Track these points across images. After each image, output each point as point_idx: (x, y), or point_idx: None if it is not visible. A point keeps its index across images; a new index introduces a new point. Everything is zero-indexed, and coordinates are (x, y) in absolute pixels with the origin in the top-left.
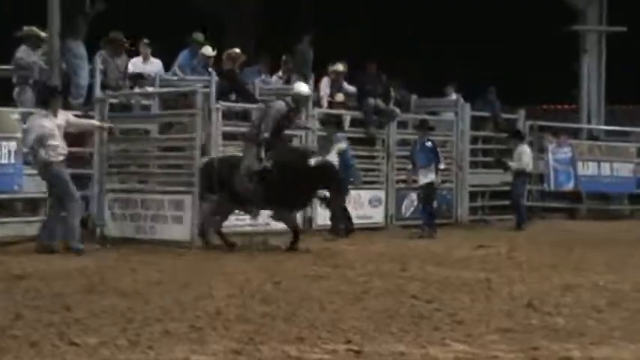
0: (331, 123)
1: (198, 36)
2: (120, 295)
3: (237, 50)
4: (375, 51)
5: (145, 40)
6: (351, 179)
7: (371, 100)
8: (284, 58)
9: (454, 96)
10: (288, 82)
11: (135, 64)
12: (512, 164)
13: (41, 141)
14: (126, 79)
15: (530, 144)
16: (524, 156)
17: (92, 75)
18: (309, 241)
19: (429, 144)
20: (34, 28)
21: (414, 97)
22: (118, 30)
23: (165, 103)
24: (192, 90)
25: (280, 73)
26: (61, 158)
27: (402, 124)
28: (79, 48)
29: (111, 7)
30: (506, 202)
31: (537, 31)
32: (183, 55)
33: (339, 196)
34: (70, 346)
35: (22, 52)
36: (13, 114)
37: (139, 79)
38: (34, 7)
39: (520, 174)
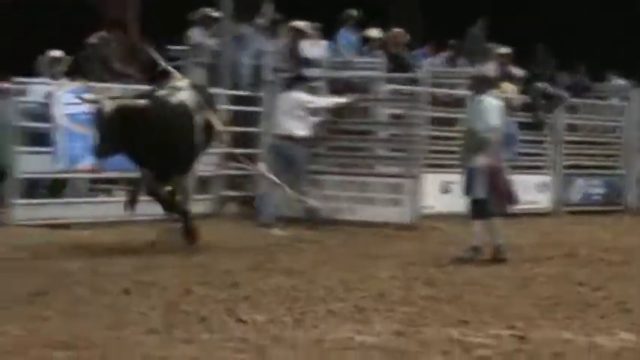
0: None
1: (352, 12)
2: (286, 274)
3: (402, 31)
4: (542, 33)
5: (316, 24)
6: None
7: (539, 84)
8: (451, 42)
9: (618, 81)
10: (454, 64)
11: (304, 47)
12: None
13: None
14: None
15: None
16: None
17: (257, 56)
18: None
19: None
20: (208, 10)
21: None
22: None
23: (331, 87)
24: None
25: (446, 54)
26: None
27: (572, 109)
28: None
29: None
30: None
31: None
32: (342, 35)
33: None
34: (237, 323)
35: (196, 34)
36: None
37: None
38: None
39: None
